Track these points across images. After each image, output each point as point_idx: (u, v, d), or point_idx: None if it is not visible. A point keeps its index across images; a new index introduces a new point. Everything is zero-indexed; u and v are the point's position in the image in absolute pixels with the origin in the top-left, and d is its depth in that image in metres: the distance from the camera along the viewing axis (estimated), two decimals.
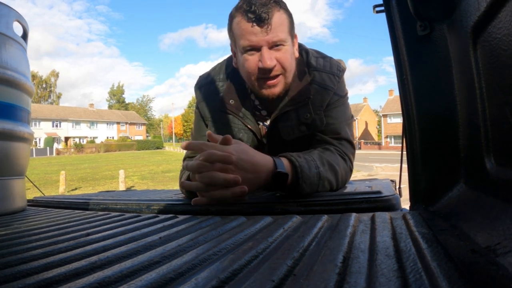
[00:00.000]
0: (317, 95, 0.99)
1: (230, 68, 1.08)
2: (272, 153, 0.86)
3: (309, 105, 0.98)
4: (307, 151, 0.92)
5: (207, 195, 0.71)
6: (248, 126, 1.04)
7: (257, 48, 0.89)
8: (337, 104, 1.01)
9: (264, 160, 0.77)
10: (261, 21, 0.85)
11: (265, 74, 0.90)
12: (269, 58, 0.87)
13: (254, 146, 1.06)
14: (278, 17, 0.87)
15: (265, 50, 0.87)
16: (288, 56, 0.91)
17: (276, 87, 0.93)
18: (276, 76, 0.91)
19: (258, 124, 1.06)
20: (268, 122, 1.06)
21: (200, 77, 1.17)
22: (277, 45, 0.89)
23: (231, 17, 0.92)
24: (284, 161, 0.81)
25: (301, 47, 1.06)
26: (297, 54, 1.00)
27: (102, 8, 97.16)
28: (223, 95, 1.06)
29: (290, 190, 0.81)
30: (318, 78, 0.99)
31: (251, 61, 0.90)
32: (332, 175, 0.88)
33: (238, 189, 0.71)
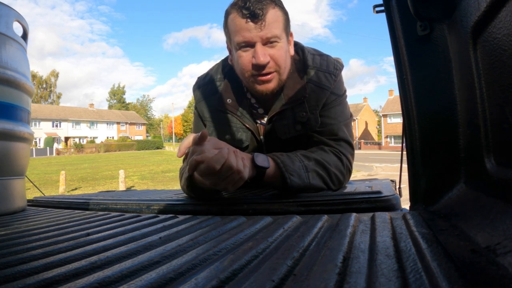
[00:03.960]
0: (313, 94, 0.98)
1: (227, 68, 1.08)
2: (269, 153, 0.86)
3: (305, 104, 0.98)
4: (293, 152, 0.92)
5: (219, 176, 0.69)
6: (246, 125, 1.04)
7: (251, 44, 0.89)
8: (334, 103, 1.00)
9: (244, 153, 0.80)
10: (255, 17, 0.86)
11: (258, 70, 0.90)
12: (263, 55, 0.88)
13: (253, 145, 1.06)
14: (272, 14, 0.88)
15: (259, 46, 0.88)
16: (283, 53, 0.91)
17: (270, 83, 0.93)
18: (270, 72, 0.92)
19: (256, 123, 1.06)
20: (265, 120, 1.06)
21: (199, 78, 1.17)
22: (271, 42, 0.89)
23: (227, 14, 0.93)
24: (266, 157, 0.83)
25: (297, 45, 1.06)
26: (292, 52, 1.00)
27: (104, 8, 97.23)
28: (221, 95, 1.06)
29: (281, 185, 0.83)
30: (314, 77, 0.99)
31: (245, 57, 0.91)
32: (322, 170, 0.88)
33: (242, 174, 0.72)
